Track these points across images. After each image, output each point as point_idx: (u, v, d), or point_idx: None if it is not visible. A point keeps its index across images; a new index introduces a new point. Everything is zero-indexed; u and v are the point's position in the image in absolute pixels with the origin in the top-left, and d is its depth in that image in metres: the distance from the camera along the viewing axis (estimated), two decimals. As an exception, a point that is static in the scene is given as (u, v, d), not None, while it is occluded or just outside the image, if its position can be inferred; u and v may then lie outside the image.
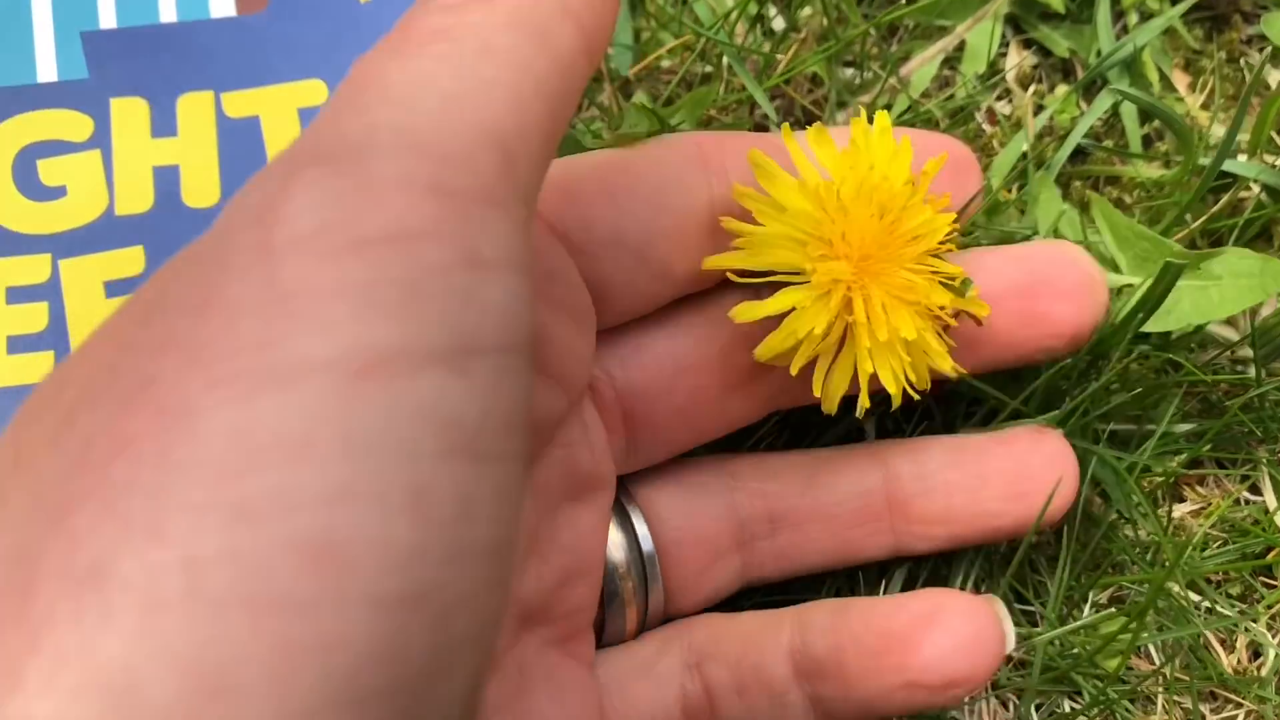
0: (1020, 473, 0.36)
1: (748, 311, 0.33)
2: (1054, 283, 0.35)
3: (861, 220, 0.32)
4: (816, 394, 0.34)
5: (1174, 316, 0.37)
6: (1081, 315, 0.35)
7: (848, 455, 0.37)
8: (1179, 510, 0.45)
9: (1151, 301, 0.36)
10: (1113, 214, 0.40)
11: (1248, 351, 0.43)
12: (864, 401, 0.34)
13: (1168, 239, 0.39)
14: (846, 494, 0.36)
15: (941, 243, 0.34)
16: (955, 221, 0.34)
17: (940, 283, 0.33)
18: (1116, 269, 0.39)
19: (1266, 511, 0.44)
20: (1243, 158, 0.50)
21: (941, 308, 0.33)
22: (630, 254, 0.31)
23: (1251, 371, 0.42)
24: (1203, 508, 0.45)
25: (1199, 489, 0.45)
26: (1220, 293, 0.37)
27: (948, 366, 0.34)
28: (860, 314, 0.32)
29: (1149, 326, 0.37)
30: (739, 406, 0.36)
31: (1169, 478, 0.43)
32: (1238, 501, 0.45)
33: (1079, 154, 0.49)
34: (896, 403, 0.34)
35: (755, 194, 0.33)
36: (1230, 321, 0.44)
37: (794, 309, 0.32)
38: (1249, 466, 0.45)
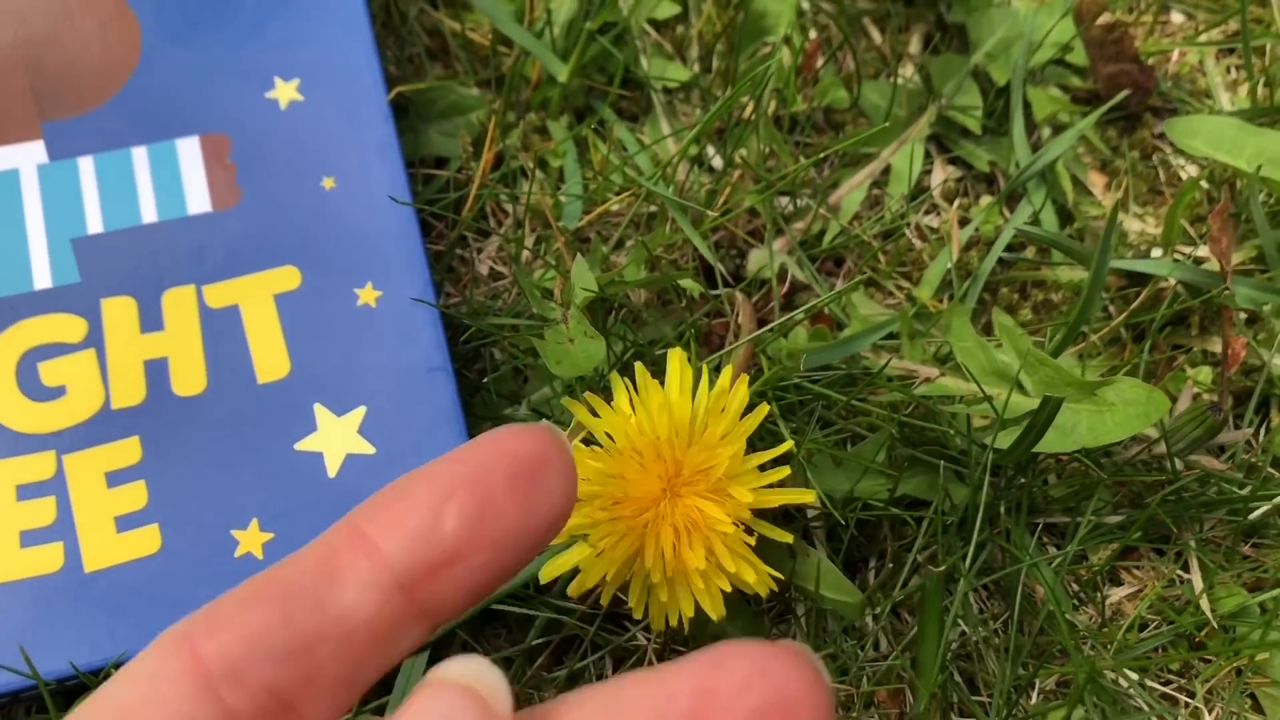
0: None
1: (550, 570, 0.39)
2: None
3: (640, 471, 0.37)
4: (638, 615, 0.39)
5: (1071, 439, 0.40)
6: None
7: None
8: (1117, 594, 0.48)
9: (1036, 430, 0.39)
10: (1018, 340, 0.43)
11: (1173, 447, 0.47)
12: (657, 626, 0.39)
13: (1065, 366, 0.42)
14: None
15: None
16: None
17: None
18: (1024, 391, 0.43)
19: (1195, 591, 0.47)
20: (1158, 251, 0.53)
21: (738, 524, 0.37)
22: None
23: (1175, 465, 0.46)
24: (1139, 590, 0.48)
25: (1136, 572, 0.48)
26: (1113, 418, 0.40)
27: (752, 578, 0.38)
28: (649, 556, 0.37)
29: (1044, 448, 0.40)
30: None
31: (1102, 567, 0.46)
32: (1173, 582, 0.48)
33: (1007, 258, 0.53)
34: (686, 623, 0.38)
35: None
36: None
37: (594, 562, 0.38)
38: (1179, 549, 0.48)
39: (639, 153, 0.51)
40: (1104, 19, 0.54)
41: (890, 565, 0.46)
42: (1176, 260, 0.53)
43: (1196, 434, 0.45)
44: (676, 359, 0.39)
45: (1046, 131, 0.54)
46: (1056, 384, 0.42)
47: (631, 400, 0.39)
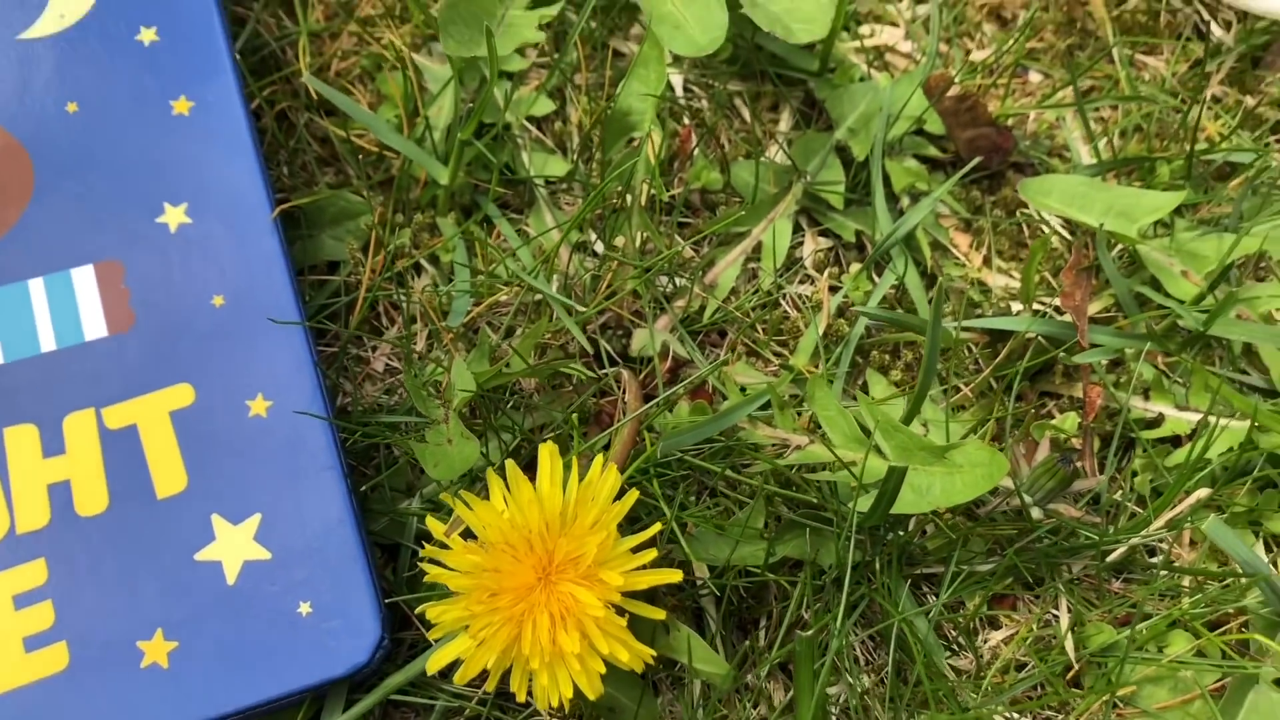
0: None
1: (435, 662, 0.42)
2: None
3: (514, 563, 0.40)
4: (521, 699, 0.42)
5: (927, 500, 0.43)
6: None
7: None
8: (996, 637, 0.50)
9: (888, 496, 0.42)
10: (874, 410, 0.46)
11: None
12: (541, 706, 0.41)
13: (916, 433, 0.45)
14: None
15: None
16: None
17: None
18: (883, 456, 0.45)
19: (1064, 630, 0.49)
20: (1018, 305, 0.56)
21: (610, 607, 0.40)
22: None
23: (1031, 515, 0.49)
24: (1016, 632, 0.50)
25: (1014, 615, 0.51)
26: (962, 479, 0.43)
27: (625, 657, 0.41)
28: (526, 643, 0.40)
29: (901, 509, 0.43)
30: None
31: (972, 615, 0.49)
32: (1049, 622, 0.51)
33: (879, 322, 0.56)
34: (567, 703, 0.41)
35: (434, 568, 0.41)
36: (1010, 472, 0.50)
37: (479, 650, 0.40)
38: (1053, 590, 0.50)
39: (521, 247, 0.54)
40: (955, 90, 0.57)
41: (779, 625, 0.49)
42: (1036, 314, 0.56)
43: (1051, 485, 0.48)
44: (546, 454, 0.42)
45: (906, 200, 0.57)
46: (910, 450, 0.45)
47: (505, 496, 0.41)
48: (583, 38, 0.59)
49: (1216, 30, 0.63)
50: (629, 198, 0.53)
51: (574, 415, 0.48)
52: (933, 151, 0.58)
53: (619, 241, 0.54)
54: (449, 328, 0.51)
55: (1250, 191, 0.58)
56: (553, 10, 0.53)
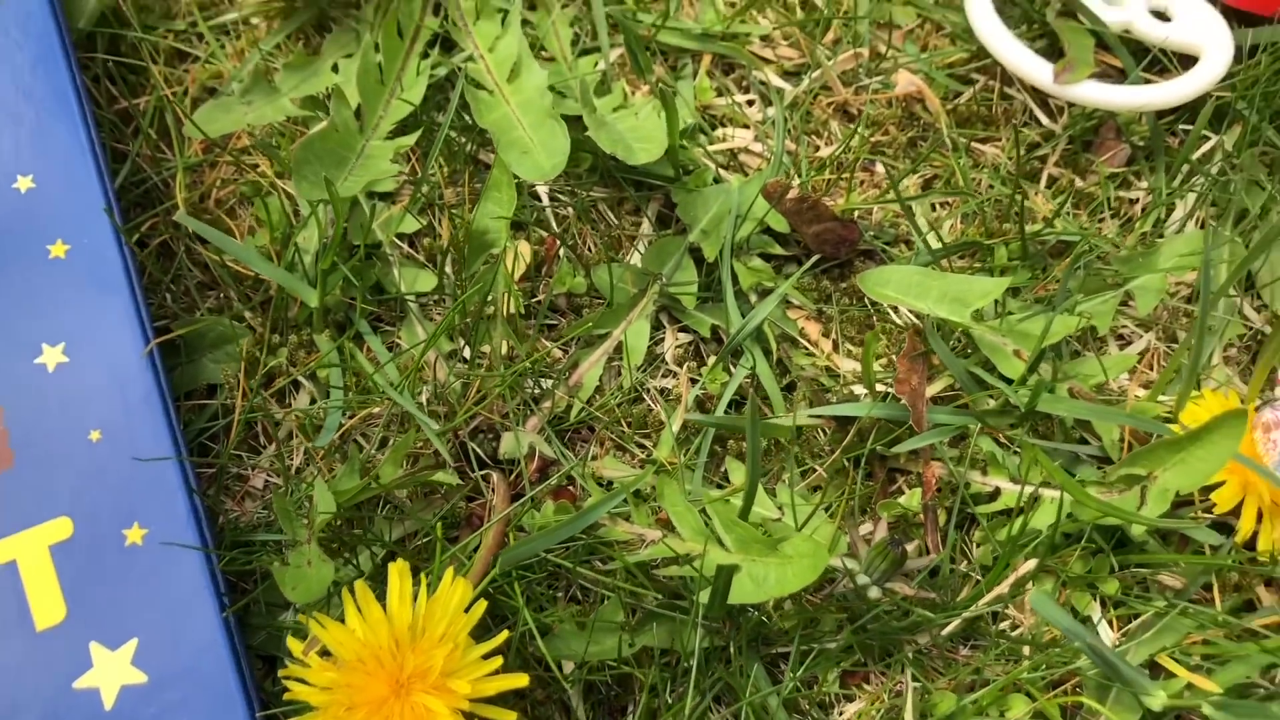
0: None
1: None
2: None
3: (367, 678, 0.43)
4: None
5: (763, 589, 0.47)
6: None
7: None
8: (851, 709, 0.54)
9: (721, 591, 0.45)
10: (718, 507, 0.49)
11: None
12: None
13: (756, 529, 0.48)
14: None
15: None
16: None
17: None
18: (726, 549, 0.49)
19: (908, 704, 0.53)
20: (861, 388, 0.60)
21: (460, 713, 0.43)
22: None
23: (868, 595, 0.52)
24: (869, 705, 0.54)
25: (866, 687, 0.54)
26: (793, 569, 0.46)
27: None
28: None
29: (740, 599, 0.46)
30: None
31: (826, 689, 0.52)
32: (900, 692, 0.54)
33: (737, 407, 0.59)
34: None
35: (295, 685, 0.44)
36: (851, 552, 0.54)
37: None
38: (901, 661, 0.54)
39: (390, 361, 0.57)
40: (794, 192, 0.61)
41: (645, 713, 0.52)
42: (884, 396, 0.59)
43: (884, 566, 0.51)
44: (395, 573, 0.45)
45: (754, 296, 0.61)
46: (748, 542, 0.48)
47: (357, 614, 0.44)
48: (447, 154, 0.63)
49: (1044, 120, 0.68)
50: (492, 308, 0.57)
51: (438, 524, 0.52)
52: (777, 250, 0.62)
53: (486, 349, 0.58)
54: (318, 447, 0.54)
55: (1076, 269, 0.62)
56: (409, 140, 0.57)
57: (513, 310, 0.58)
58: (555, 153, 0.54)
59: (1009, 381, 0.58)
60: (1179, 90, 0.63)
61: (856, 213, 0.65)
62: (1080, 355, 0.61)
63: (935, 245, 0.64)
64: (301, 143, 0.54)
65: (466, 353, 0.59)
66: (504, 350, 0.57)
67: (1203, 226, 0.64)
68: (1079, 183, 0.66)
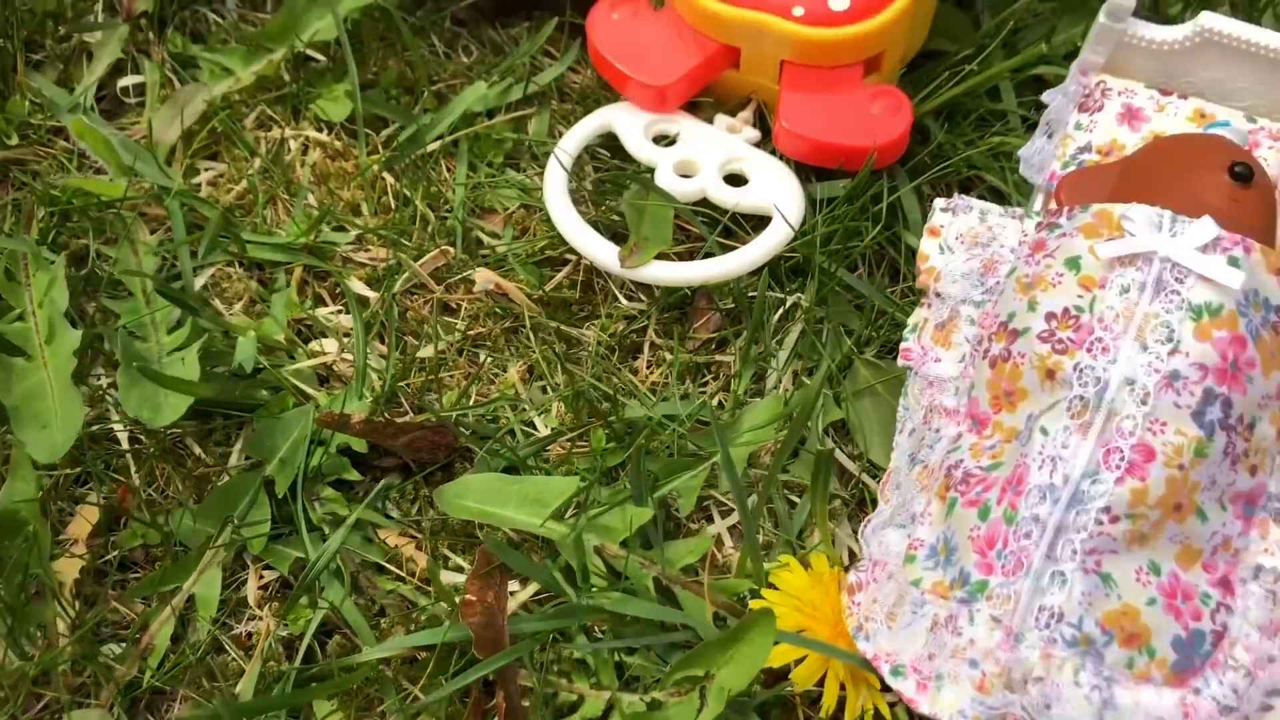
0: None
1: None
2: None
3: None
4: None
5: None
6: None
7: None
8: None
9: None
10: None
11: None
12: None
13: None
14: None
15: None
16: None
17: None
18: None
19: None
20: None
21: None
22: None
23: None
24: None
25: None
26: None
27: None
28: None
29: None
30: None
31: None
32: None
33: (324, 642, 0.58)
34: None
35: None
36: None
37: None
38: None
39: None
40: (359, 415, 0.61)
41: None
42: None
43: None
44: None
45: (327, 528, 0.59)
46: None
47: None
48: None
49: (631, 305, 0.69)
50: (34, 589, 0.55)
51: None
52: (353, 475, 0.61)
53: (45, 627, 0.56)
54: None
55: (664, 450, 0.62)
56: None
57: (76, 578, 0.56)
58: (70, 426, 0.53)
59: (577, 588, 0.58)
60: (743, 259, 0.65)
61: (456, 411, 0.64)
62: (672, 539, 0.61)
63: (545, 433, 0.63)
64: None
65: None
66: (60, 627, 0.55)
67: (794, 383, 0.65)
68: (668, 357, 0.67)
